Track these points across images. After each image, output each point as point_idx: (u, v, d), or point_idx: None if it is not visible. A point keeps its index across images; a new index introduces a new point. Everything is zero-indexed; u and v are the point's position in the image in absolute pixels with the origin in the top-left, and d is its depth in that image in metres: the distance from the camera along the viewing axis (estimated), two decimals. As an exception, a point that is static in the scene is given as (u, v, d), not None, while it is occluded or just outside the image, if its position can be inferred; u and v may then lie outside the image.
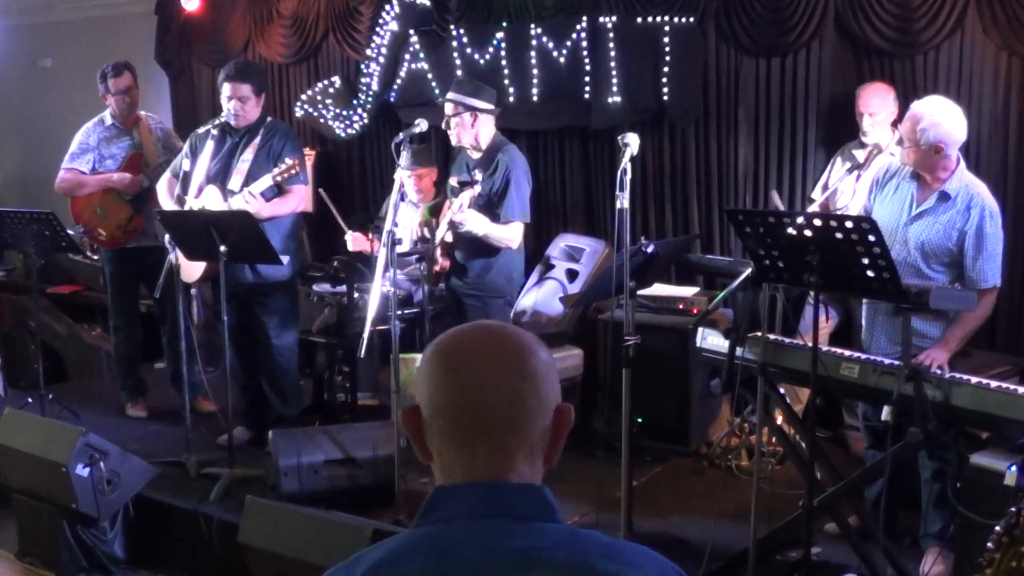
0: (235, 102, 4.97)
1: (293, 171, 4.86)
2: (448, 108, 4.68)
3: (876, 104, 4.84)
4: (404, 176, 5.23)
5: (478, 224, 4.51)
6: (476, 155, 4.74)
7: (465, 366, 1.30)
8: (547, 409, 1.32)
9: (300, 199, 5.12)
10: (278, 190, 5.00)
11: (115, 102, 5.60)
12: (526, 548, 1.23)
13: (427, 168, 5.67)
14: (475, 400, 1.29)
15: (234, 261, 4.76)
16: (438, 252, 4.83)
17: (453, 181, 4.86)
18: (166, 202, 5.16)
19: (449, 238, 4.74)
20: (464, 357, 1.31)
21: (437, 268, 4.85)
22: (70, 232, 5.46)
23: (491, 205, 4.61)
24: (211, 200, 4.98)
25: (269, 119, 5.21)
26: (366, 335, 4.29)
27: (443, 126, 4.79)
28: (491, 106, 4.68)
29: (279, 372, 5.24)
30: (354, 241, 5.58)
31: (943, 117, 3.67)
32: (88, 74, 6.03)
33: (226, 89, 4.99)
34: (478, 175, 4.54)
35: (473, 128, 4.65)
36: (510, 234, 4.63)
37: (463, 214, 4.43)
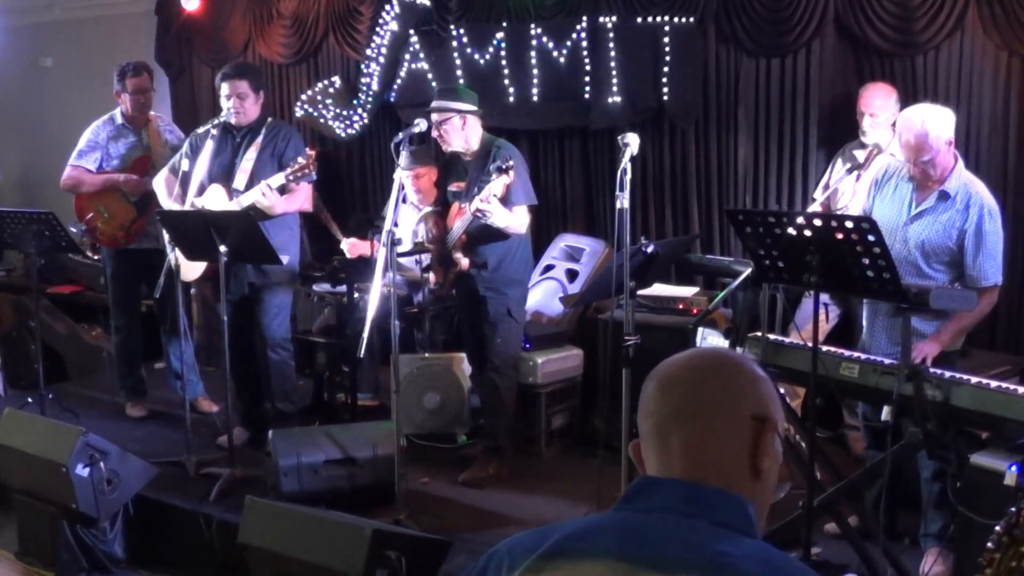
0: (234, 99, 5.01)
1: (307, 170, 4.88)
2: (435, 116, 4.74)
3: (878, 105, 4.83)
4: (403, 176, 5.24)
5: (500, 215, 4.54)
6: (468, 157, 4.80)
7: (668, 372, 1.41)
8: (742, 416, 1.35)
9: (306, 197, 5.15)
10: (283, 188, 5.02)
11: (129, 101, 5.60)
12: (723, 553, 1.23)
13: (425, 167, 5.67)
14: (674, 399, 1.37)
15: (234, 261, 4.76)
16: (457, 253, 4.83)
17: (453, 187, 4.88)
18: (164, 199, 5.16)
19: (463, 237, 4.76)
20: (669, 367, 1.42)
21: (457, 269, 4.84)
22: (71, 230, 5.46)
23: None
24: (215, 199, 4.98)
25: (270, 119, 5.23)
26: (366, 335, 4.29)
27: (433, 134, 4.83)
28: (474, 107, 4.76)
29: (272, 369, 5.23)
30: (351, 248, 5.57)
31: (931, 125, 3.64)
32: (88, 74, 6.03)
33: (224, 88, 5.05)
34: (511, 161, 4.53)
35: (463, 131, 4.73)
36: (520, 220, 4.69)
37: (490, 205, 4.45)
